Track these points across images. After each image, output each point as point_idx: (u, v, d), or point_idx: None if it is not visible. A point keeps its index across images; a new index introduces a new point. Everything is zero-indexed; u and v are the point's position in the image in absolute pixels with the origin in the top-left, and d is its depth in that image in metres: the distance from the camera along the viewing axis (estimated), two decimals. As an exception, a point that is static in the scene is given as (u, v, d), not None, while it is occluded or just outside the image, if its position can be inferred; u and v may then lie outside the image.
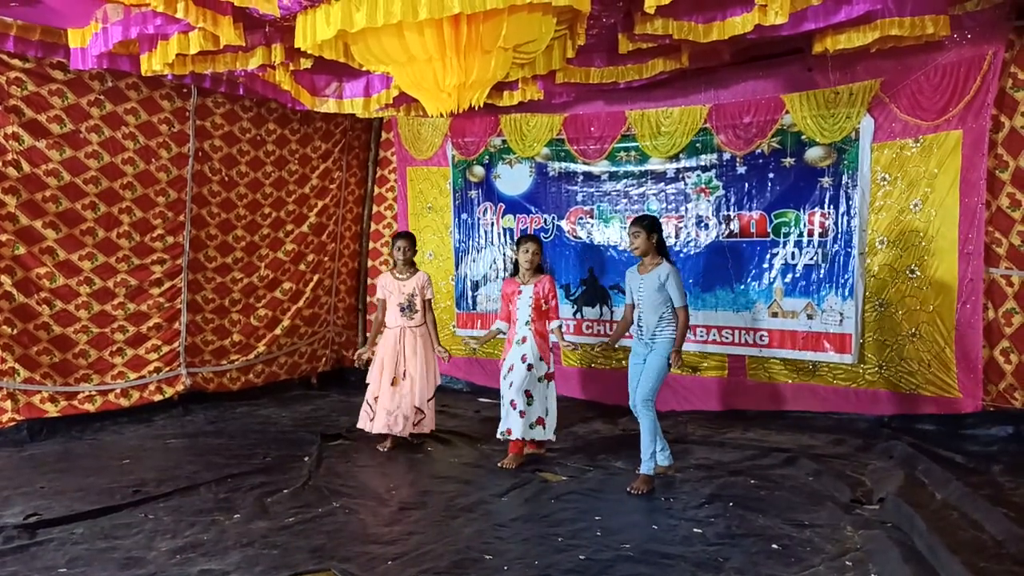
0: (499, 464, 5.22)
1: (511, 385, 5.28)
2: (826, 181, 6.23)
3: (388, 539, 3.94)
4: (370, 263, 8.60)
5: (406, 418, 5.63)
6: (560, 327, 5.42)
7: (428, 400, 5.77)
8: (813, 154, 6.27)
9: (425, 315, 5.81)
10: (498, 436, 5.36)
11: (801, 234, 6.35)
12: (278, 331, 7.68)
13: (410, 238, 5.97)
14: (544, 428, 5.34)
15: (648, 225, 4.85)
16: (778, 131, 6.37)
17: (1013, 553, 3.59)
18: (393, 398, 5.64)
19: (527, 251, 5.34)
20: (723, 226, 6.66)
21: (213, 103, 6.96)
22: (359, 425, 5.78)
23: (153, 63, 4.94)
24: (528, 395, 5.27)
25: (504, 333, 5.56)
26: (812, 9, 4.59)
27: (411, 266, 5.85)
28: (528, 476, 4.98)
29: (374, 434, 5.75)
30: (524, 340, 5.32)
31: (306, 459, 5.33)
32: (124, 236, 6.42)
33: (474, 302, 7.80)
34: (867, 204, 6.11)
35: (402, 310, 5.73)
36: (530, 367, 5.25)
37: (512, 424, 5.26)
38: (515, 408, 5.25)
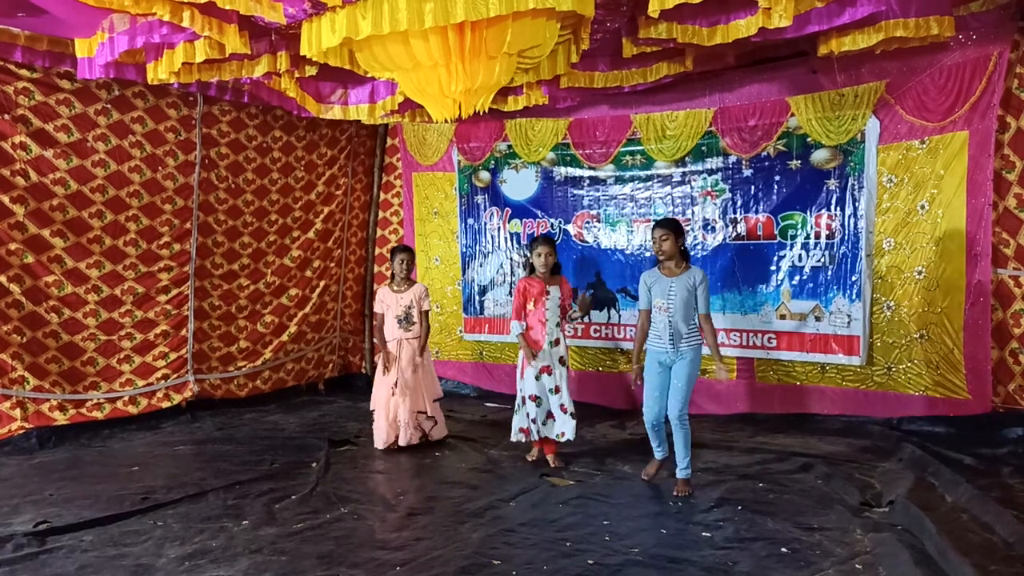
0: (552, 464, 5.25)
1: (556, 389, 5.29)
2: (832, 183, 6.22)
3: (396, 545, 3.94)
4: (376, 269, 8.61)
5: (405, 425, 5.69)
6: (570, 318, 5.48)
7: (434, 401, 5.84)
8: (819, 156, 6.26)
9: (421, 326, 5.89)
10: (557, 438, 5.33)
11: (808, 236, 6.34)
12: (285, 337, 7.70)
13: (411, 252, 6.06)
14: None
15: (676, 228, 4.79)
16: (784, 134, 6.36)
17: (1023, 555, 3.58)
18: (390, 410, 5.72)
19: (540, 254, 5.33)
20: (730, 229, 6.66)
21: (219, 111, 6.99)
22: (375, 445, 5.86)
23: (159, 72, 4.97)
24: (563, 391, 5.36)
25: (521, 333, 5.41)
26: (816, 11, 4.59)
27: (408, 279, 5.93)
28: (536, 481, 4.97)
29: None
30: (558, 342, 5.34)
31: (314, 465, 5.34)
32: (131, 244, 6.45)
33: (481, 307, 7.80)
34: (874, 206, 6.09)
35: (399, 322, 5.81)
36: (569, 369, 5.38)
37: (566, 427, 5.27)
38: (565, 412, 5.28)
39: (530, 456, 5.46)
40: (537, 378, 5.31)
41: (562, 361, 5.34)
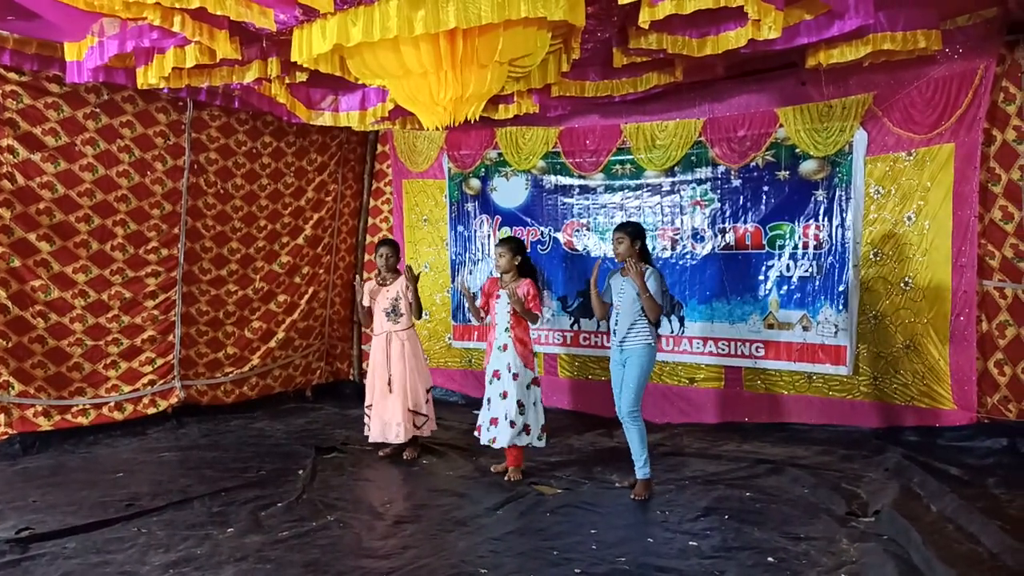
0: (505, 478, 5.20)
1: (504, 395, 5.27)
2: (820, 194, 6.26)
3: (383, 553, 3.92)
4: (365, 275, 8.58)
5: (399, 424, 5.65)
6: (513, 292, 5.22)
7: (425, 401, 5.80)
8: (807, 167, 6.30)
9: (410, 318, 5.85)
10: (483, 443, 5.37)
11: (796, 246, 6.38)
12: (273, 344, 7.66)
13: (393, 245, 6.02)
14: (529, 434, 5.28)
15: (632, 231, 4.94)
16: (772, 144, 6.40)
17: (1009, 566, 3.59)
18: (386, 406, 5.68)
19: (497, 255, 5.42)
20: (719, 238, 6.69)
21: (209, 116, 6.97)
22: (366, 433, 5.86)
23: (149, 76, 4.95)
24: (520, 404, 5.25)
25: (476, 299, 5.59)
26: (805, 24, 4.62)
27: (394, 272, 5.92)
28: (523, 489, 4.96)
29: (371, 443, 5.81)
30: (505, 348, 5.31)
31: (300, 472, 5.32)
32: (118, 248, 6.41)
33: (470, 314, 7.79)
34: (861, 217, 6.13)
35: (387, 315, 5.80)
36: (516, 376, 5.25)
37: (500, 433, 5.25)
38: (506, 419, 5.24)
39: (495, 468, 5.40)
40: (490, 382, 5.37)
41: (510, 369, 5.26)
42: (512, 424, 5.22)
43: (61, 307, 6.10)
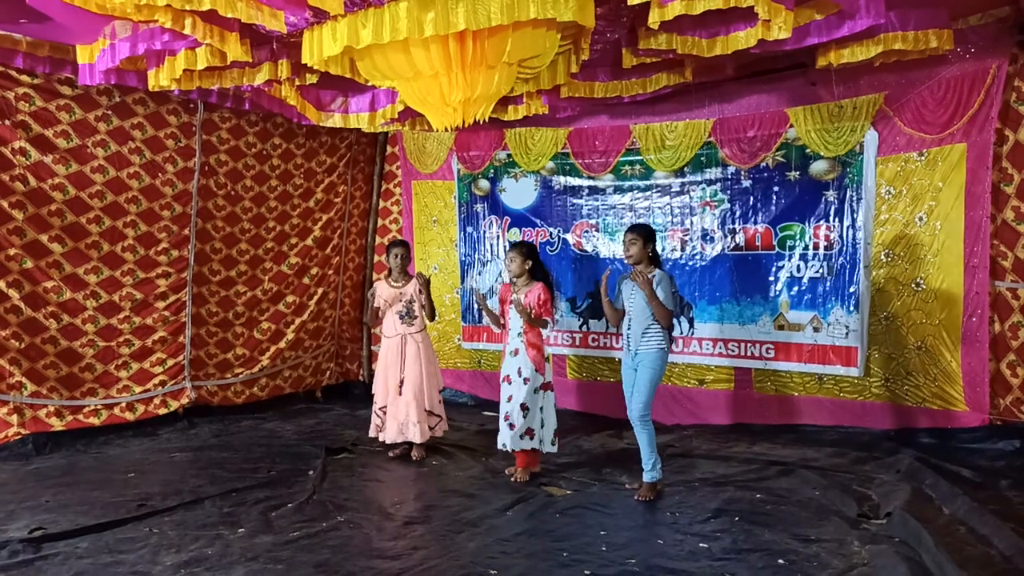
0: (512, 479, 5.21)
1: (509, 399, 5.27)
2: (831, 194, 6.24)
3: (392, 554, 3.93)
4: (375, 276, 8.60)
5: (415, 424, 5.67)
6: (519, 303, 5.21)
7: (438, 402, 5.84)
8: (818, 167, 6.28)
9: (423, 320, 5.88)
10: (499, 447, 5.37)
11: (806, 247, 6.35)
12: (282, 344, 7.69)
13: (405, 246, 6.03)
14: (532, 439, 5.24)
15: (645, 234, 4.89)
16: (782, 145, 6.38)
17: (1021, 568, 3.56)
18: (399, 408, 5.70)
19: (508, 259, 5.40)
20: (728, 239, 6.67)
21: (219, 118, 7.00)
22: (370, 435, 5.91)
23: (160, 78, 4.98)
24: (524, 408, 5.22)
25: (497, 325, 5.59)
26: (815, 24, 4.61)
27: (406, 274, 5.93)
28: (533, 490, 4.96)
29: (383, 443, 5.84)
30: (517, 352, 5.30)
31: (311, 473, 5.33)
32: (129, 250, 6.45)
33: (480, 315, 7.80)
34: (872, 217, 6.11)
35: (401, 317, 5.82)
36: (526, 380, 5.23)
37: (504, 437, 5.26)
38: (507, 420, 5.25)
39: (509, 470, 5.37)
40: (502, 387, 5.38)
41: (520, 373, 5.25)
42: (512, 427, 5.22)
43: (73, 308, 6.14)
